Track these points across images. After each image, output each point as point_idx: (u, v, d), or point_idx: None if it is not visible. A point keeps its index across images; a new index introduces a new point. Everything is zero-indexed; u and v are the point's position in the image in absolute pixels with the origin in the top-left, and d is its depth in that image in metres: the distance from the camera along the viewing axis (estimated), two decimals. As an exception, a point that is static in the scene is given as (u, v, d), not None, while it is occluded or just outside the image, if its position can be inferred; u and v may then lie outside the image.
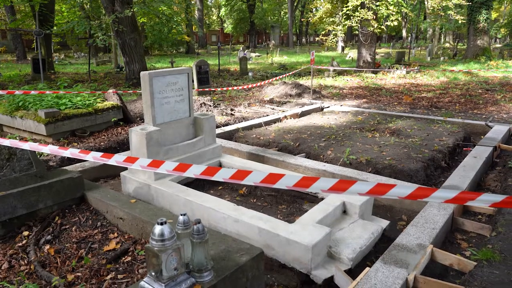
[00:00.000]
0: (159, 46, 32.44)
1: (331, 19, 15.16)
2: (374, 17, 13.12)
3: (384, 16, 13.17)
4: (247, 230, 3.21)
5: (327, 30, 14.24)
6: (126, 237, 2.96)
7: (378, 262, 2.86)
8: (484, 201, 1.52)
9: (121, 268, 2.59)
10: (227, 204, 3.49)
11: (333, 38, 13.97)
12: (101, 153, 2.47)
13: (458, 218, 3.76)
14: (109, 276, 2.50)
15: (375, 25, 13.14)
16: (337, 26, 13.72)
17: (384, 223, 3.67)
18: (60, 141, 5.65)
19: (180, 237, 2.11)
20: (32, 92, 5.71)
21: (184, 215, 2.12)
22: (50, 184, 3.14)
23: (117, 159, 2.38)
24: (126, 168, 4.34)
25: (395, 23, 13.06)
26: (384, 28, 13.27)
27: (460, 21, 16.56)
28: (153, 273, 1.97)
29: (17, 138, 5.81)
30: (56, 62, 24.26)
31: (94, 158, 2.46)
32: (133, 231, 2.95)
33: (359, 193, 1.67)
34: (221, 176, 2.02)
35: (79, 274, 2.51)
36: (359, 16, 12.81)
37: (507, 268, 2.75)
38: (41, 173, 3.15)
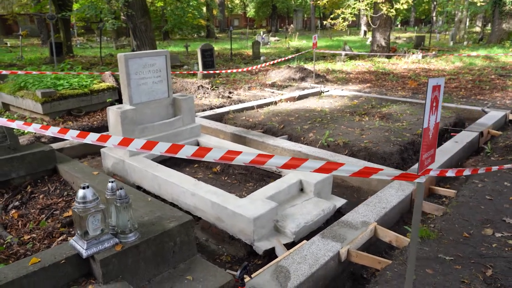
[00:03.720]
0: (180, 30, 32.65)
1: (346, 3, 14.90)
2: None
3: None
4: (202, 204, 3.41)
5: (335, 14, 14.03)
6: (86, 205, 3.21)
7: (316, 236, 3.01)
8: (345, 171, 1.65)
9: (73, 232, 2.85)
10: (189, 180, 3.69)
11: (343, 22, 13.75)
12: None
13: (417, 200, 3.82)
14: (60, 238, 2.76)
15: (384, 8, 12.83)
16: (346, 9, 13.49)
17: (341, 201, 3.78)
18: (56, 119, 6.00)
19: (109, 202, 2.33)
20: (19, 72, 6.07)
21: (113, 182, 2.33)
22: (23, 156, 3.42)
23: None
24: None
25: (405, 6, 12.71)
26: (393, 11, 12.88)
27: (479, 4, 15.86)
28: (79, 232, 2.20)
29: (14, 116, 6.20)
30: (78, 45, 24.98)
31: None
32: (92, 200, 3.20)
33: (245, 162, 1.82)
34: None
35: (34, 235, 2.79)
36: (368, -1, 12.55)
37: (438, 245, 2.84)
38: (14, 145, 3.44)
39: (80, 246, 2.18)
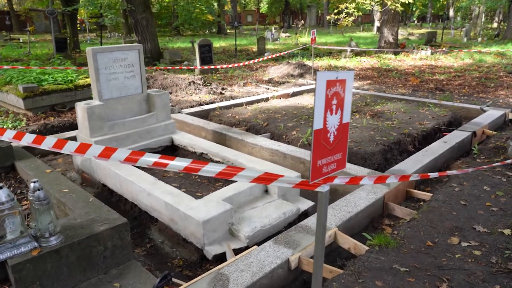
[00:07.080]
0: (190, 26, 32.59)
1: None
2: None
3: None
4: (158, 204, 3.27)
5: (340, 9, 13.68)
6: (36, 204, 3.11)
7: (269, 241, 2.83)
8: (245, 177, 1.48)
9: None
10: (147, 179, 3.55)
11: (347, 17, 13.37)
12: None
13: (389, 204, 3.61)
14: None
15: (389, 2, 12.42)
16: (350, 3, 13.11)
17: (307, 204, 3.60)
18: (38, 115, 5.95)
19: (32, 203, 2.21)
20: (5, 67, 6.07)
21: (35, 182, 2.21)
22: (-24, 152, 3.35)
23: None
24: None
25: (410, 0, 12.28)
26: (399, 6, 12.43)
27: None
28: (-7, 235, 2.08)
29: None
30: (88, 41, 25.16)
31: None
32: (41, 199, 3.09)
33: (147, 164, 1.67)
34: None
35: (-27, 235, 2.69)
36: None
37: (396, 255, 2.63)
38: (-31, 141, 3.37)
39: (-7, 250, 2.07)
